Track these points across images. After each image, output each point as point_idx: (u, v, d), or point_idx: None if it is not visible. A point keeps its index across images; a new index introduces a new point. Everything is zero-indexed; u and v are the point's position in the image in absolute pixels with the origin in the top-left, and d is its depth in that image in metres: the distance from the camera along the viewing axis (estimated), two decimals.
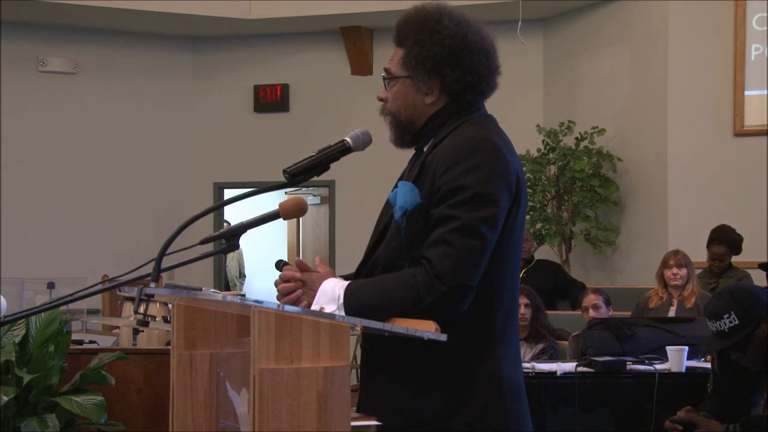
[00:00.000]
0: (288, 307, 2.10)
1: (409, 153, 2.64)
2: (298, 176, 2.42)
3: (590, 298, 6.26)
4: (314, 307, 2.38)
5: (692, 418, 4.33)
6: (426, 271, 2.30)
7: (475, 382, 2.39)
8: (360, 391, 2.53)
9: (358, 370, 6.55)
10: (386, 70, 2.54)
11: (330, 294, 2.38)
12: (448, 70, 2.45)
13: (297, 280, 2.44)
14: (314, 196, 12.66)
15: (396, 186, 2.47)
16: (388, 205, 2.51)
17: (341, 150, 2.47)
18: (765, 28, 8.32)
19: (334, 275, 2.46)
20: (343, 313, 2.33)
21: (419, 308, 2.29)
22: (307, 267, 2.47)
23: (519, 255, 2.51)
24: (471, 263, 2.31)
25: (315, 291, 2.41)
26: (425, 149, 2.51)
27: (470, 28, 2.48)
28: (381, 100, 2.56)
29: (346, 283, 2.41)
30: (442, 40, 2.44)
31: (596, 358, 5.07)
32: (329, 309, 2.36)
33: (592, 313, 6.14)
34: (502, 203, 2.36)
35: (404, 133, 2.53)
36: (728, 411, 4.30)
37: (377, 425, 2.26)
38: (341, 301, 2.36)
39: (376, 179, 7.62)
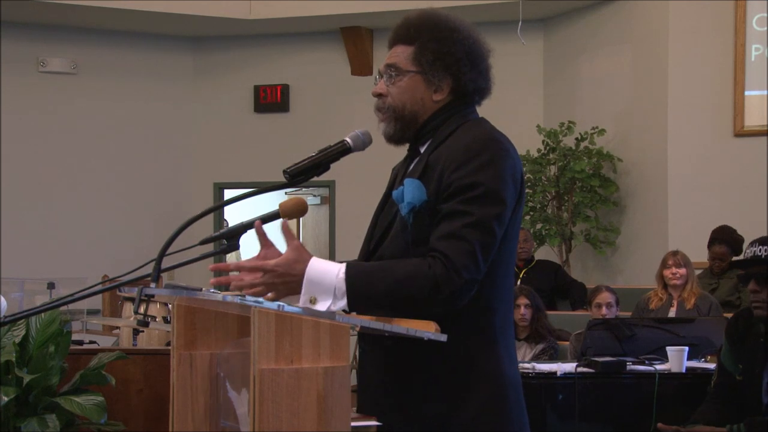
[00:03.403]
0: (288, 307, 2.09)
1: (403, 153, 2.63)
2: (298, 176, 2.42)
3: (605, 296, 6.28)
4: (303, 298, 2.28)
5: None
6: (443, 263, 2.28)
7: (477, 379, 2.39)
8: (359, 390, 2.50)
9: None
10: (392, 65, 2.51)
11: (326, 283, 2.28)
12: (467, 69, 2.48)
13: (259, 269, 2.29)
14: (314, 196, 12.63)
15: (401, 183, 2.46)
16: (391, 203, 2.50)
17: (341, 150, 2.46)
18: (765, 28, 8.31)
19: (305, 253, 2.31)
20: (344, 302, 2.28)
21: (436, 299, 2.27)
22: (269, 243, 2.34)
23: (515, 253, 2.53)
24: (482, 259, 2.32)
25: (293, 279, 2.28)
26: (422, 149, 2.52)
27: (480, 36, 2.53)
28: (380, 95, 2.53)
29: (343, 266, 2.31)
30: (463, 39, 2.48)
31: (596, 358, 5.07)
32: (323, 300, 2.28)
33: (605, 310, 6.16)
34: (509, 201, 2.39)
35: (405, 128, 2.51)
36: (736, 400, 4.26)
37: (377, 425, 2.26)
38: (344, 289, 2.28)
39: (376, 179, 7.57)
